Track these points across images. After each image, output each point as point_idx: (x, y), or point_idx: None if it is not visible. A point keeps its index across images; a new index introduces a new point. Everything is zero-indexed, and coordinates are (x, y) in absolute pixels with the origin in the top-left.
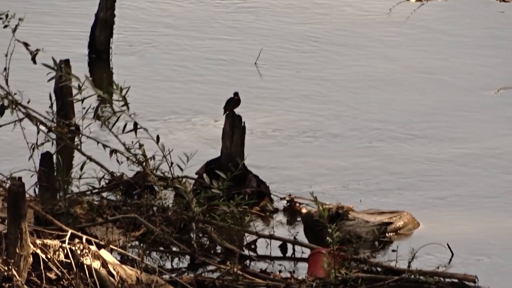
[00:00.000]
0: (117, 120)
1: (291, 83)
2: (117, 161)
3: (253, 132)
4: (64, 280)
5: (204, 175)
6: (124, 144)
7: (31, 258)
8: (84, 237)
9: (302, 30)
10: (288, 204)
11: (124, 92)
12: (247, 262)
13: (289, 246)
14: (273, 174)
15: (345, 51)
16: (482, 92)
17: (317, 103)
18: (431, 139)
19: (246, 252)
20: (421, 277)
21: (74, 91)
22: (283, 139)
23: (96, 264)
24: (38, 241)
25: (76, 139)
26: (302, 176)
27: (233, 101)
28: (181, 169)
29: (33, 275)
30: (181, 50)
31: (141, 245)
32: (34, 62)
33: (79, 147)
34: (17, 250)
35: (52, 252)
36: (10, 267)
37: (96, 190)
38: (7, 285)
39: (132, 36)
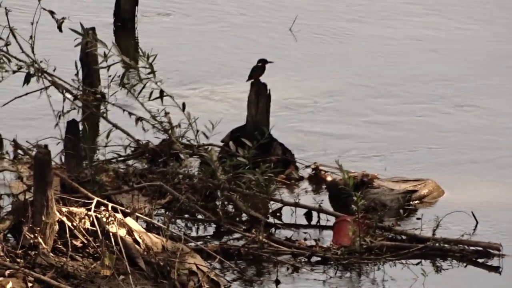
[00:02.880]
0: (143, 88)
1: (323, 49)
2: (143, 129)
3: (279, 100)
4: (90, 247)
5: (230, 142)
6: (150, 112)
7: (57, 226)
8: (110, 204)
9: None
10: (313, 172)
11: (150, 59)
12: (273, 230)
13: (314, 214)
14: (298, 141)
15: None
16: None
17: (344, 70)
18: (455, 106)
19: (271, 220)
20: (446, 245)
21: (100, 59)
22: (307, 107)
23: (122, 232)
24: (64, 209)
25: (102, 106)
26: (327, 144)
27: (259, 69)
28: (207, 137)
29: (59, 242)
30: (208, 16)
31: (167, 213)
32: (60, 30)
33: (104, 115)
34: (43, 218)
35: (78, 220)
36: (36, 234)
37: (122, 158)
38: (33, 252)
39: (157, 2)
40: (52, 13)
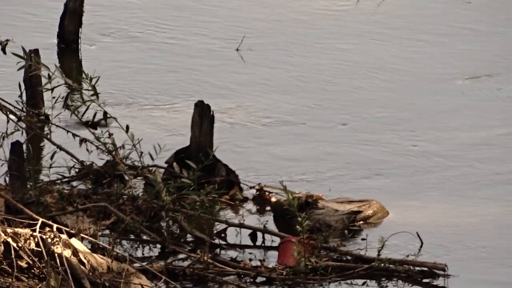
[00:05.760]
0: (86, 110)
1: (265, 72)
2: (87, 150)
3: (223, 120)
4: (35, 268)
5: (174, 164)
6: (94, 134)
7: (2, 247)
8: (55, 225)
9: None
10: (257, 193)
11: (93, 81)
12: (218, 250)
13: (259, 234)
14: (242, 162)
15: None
16: (448, 81)
17: (290, 92)
18: (400, 128)
19: (216, 240)
20: (391, 266)
21: (44, 81)
22: (253, 127)
23: (67, 253)
24: (8, 230)
25: (46, 128)
26: (271, 164)
27: None
28: (152, 159)
29: (4, 263)
30: (152, 37)
31: (112, 233)
32: (4, 52)
33: (48, 136)
34: None
35: (23, 241)
36: None
37: (66, 179)
38: None
39: (100, 24)
40: None
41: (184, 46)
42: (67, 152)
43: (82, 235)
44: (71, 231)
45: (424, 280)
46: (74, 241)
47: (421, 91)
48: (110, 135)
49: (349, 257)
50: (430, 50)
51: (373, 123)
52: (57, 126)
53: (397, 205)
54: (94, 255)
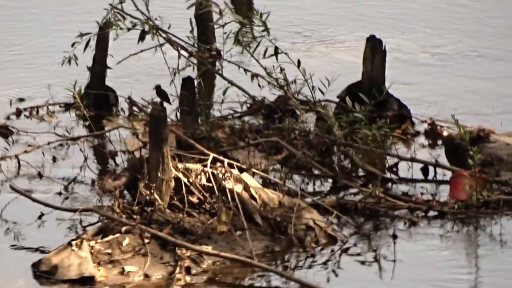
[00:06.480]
0: (258, 45)
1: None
2: (259, 85)
3: (394, 54)
4: (206, 203)
5: (347, 98)
6: (265, 69)
7: (173, 182)
8: (226, 161)
9: None
10: (429, 127)
11: (264, 17)
12: (389, 184)
13: (431, 168)
14: (414, 97)
15: None
16: None
17: (464, 23)
18: None
19: (388, 175)
20: None
21: (215, 16)
22: (425, 60)
23: (238, 188)
24: (180, 165)
25: (217, 63)
26: (443, 99)
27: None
28: (323, 93)
29: (175, 199)
30: None
31: (283, 168)
32: None
33: (220, 71)
34: (159, 175)
35: (194, 176)
36: (152, 191)
37: (237, 114)
38: (149, 209)
39: None
40: None
41: None
42: (239, 87)
43: (253, 170)
44: (242, 166)
45: None
46: (245, 176)
47: None
48: (282, 70)
49: None
50: None
51: None
52: (228, 61)
53: None
54: (266, 190)
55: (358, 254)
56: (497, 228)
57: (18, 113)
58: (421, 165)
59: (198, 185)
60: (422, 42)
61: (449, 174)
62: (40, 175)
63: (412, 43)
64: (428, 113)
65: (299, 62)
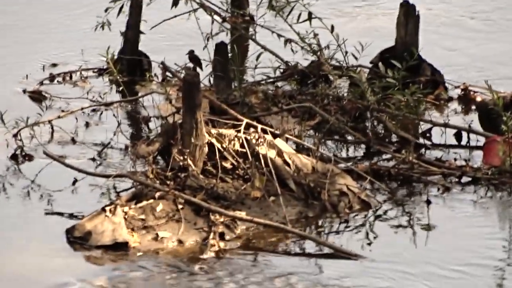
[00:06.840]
0: (291, 10)
1: None
2: (292, 50)
3: (428, 20)
4: (239, 169)
5: (380, 64)
6: (298, 34)
7: (207, 148)
8: (259, 126)
9: None
10: (462, 92)
11: None
12: (422, 150)
13: (464, 134)
14: (448, 62)
15: None
16: None
17: None
18: None
19: (421, 140)
20: None
21: None
22: (460, 27)
23: (272, 153)
24: (213, 131)
25: (250, 29)
26: (477, 64)
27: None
28: (356, 58)
29: (209, 164)
30: None
31: (316, 134)
32: None
33: (253, 36)
34: (193, 140)
35: (227, 142)
36: (186, 156)
37: (271, 80)
38: (183, 174)
39: None
40: None
41: None
42: (272, 53)
43: (286, 135)
44: (276, 131)
45: None
46: (279, 142)
47: None
48: (315, 35)
49: None
50: None
51: None
52: (262, 26)
53: None
54: (299, 155)
55: (392, 220)
56: None
57: (52, 78)
58: (454, 131)
59: (231, 151)
60: (467, 8)
61: (482, 140)
62: (73, 141)
63: (457, 8)
64: (462, 79)
65: (332, 27)
